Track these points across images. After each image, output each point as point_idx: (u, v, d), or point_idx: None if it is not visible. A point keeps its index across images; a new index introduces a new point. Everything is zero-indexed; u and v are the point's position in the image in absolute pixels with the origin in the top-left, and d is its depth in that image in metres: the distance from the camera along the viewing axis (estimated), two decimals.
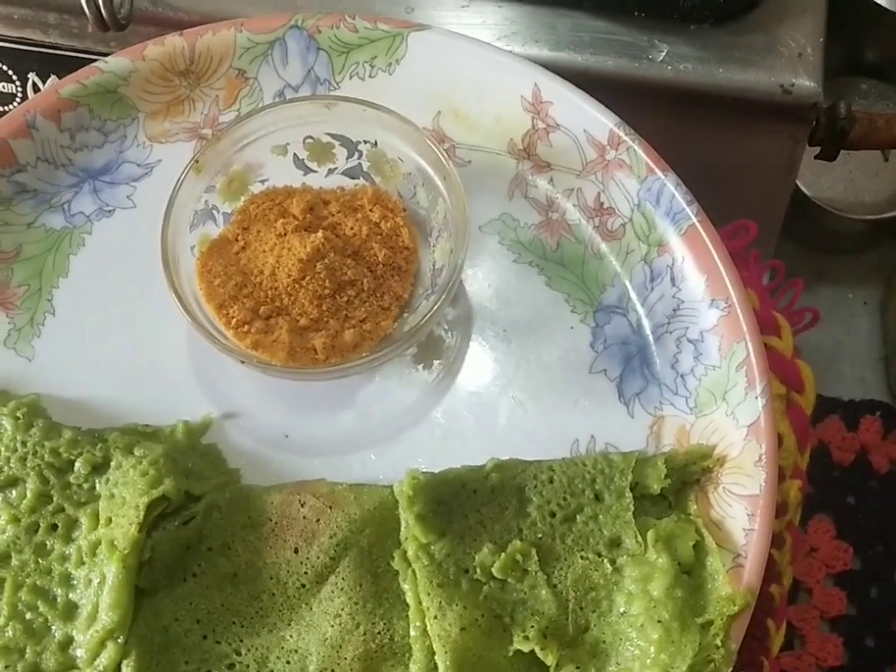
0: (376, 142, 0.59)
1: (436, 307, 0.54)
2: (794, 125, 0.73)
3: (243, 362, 0.53)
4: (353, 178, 0.61)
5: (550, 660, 0.50)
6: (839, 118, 0.73)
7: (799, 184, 0.87)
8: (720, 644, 0.49)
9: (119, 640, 0.50)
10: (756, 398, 0.54)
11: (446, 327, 0.60)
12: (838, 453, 0.84)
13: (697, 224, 0.58)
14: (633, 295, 0.59)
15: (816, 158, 0.79)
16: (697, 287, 0.58)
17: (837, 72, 0.91)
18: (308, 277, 0.56)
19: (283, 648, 0.52)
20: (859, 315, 0.90)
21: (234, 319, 0.55)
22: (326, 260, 0.56)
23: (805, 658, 0.79)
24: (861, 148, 0.77)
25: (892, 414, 0.85)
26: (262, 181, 0.60)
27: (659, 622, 0.50)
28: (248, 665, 0.51)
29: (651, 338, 0.59)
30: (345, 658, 0.51)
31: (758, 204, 0.77)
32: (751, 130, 0.74)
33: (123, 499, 0.53)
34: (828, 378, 0.87)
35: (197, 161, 0.56)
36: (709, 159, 0.73)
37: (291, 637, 0.52)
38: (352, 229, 0.58)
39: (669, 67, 0.70)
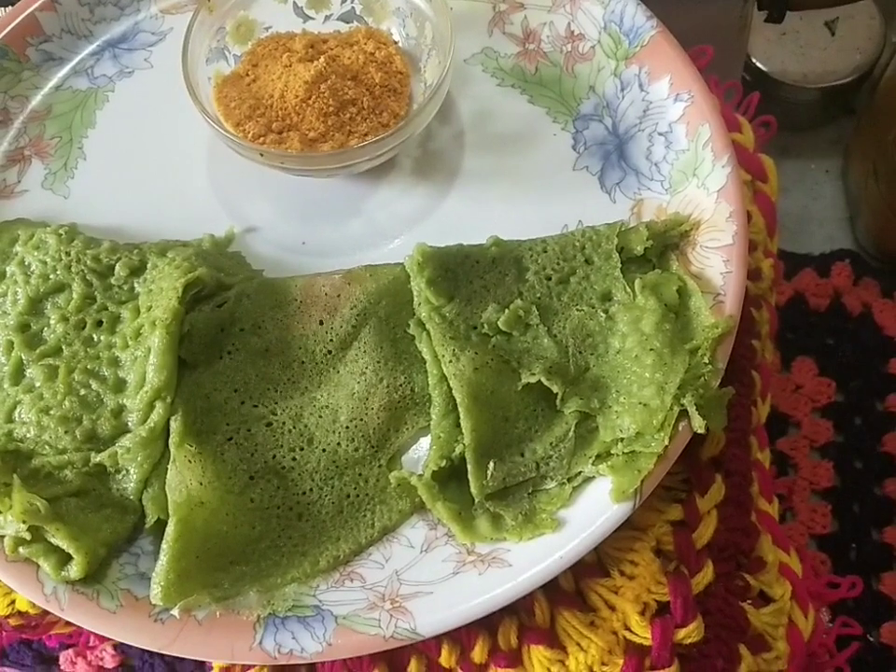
0: None
1: (429, 99, 0.60)
2: None
3: (262, 154, 0.59)
4: (347, 22, 0.68)
5: (556, 388, 0.55)
6: None
7: (756, 62, 0.94)
8: (708, 362, 0.55)
9: (167, 400, 0.55)
10: (723, 167, 0.60)
11: (441, 144, 0.66)
12: (814, 300, 0.90)
13: (658, 33, 0.65)
14: (607, 103, 0.66)
15: (766, 21, 0.86)
16: (662, 87, 0.64)
17: None
18: (314, 97, 0.62)
19: (315, 405, 0.57)
20: (822, 182, 0.97)
21: (250, 133, 0.61)
22: (328, 82, 0.62)
23: (800, 482, 0.84)
24: (806, 7, 0.85)
25: (861, 262, 0.91)
26: (266, 28, 0.67)
27: (651, 350, 0.55)
28: (284, 423, 0.56)
29: (625, 137, 0.65)
30: (372, 408, 0.56)
31: (715, 67, 0.84)
32: None
33: (161, 289, 0.58)
34: (799, 238, 0.94)
35: (209, 0, 0.63)
36: (666, 24, 0.80)
37: (322, 396, 0.57)
38: (349, 58, 0.65)
39: None
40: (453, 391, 0.55)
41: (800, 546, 0.83)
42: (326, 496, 0.55)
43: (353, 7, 0.67)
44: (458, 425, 0.55)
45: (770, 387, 0.65)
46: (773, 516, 0.61)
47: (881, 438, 0.86)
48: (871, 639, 0.80)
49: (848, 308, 0.90)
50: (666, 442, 0.53)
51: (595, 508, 0.53)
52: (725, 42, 0.84)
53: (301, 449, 0.56)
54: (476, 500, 0.54)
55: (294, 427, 0.56)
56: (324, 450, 0.56)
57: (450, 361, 0.56)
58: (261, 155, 0.59)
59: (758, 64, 0.93)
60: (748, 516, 0.57)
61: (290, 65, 0.64)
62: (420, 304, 0.58)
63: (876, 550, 0.83)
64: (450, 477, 0.55)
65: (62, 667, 0.61)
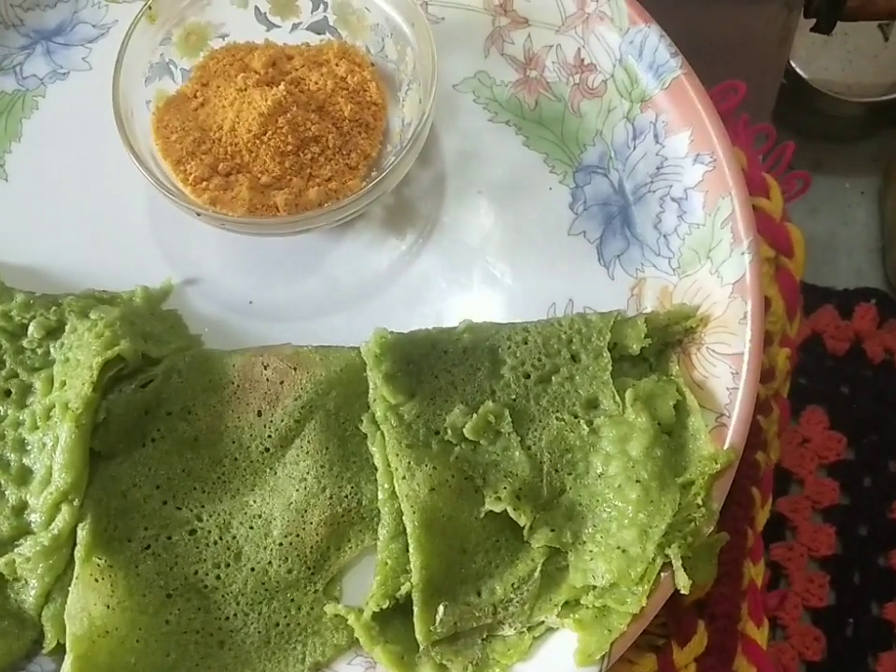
0: None
1: (402, 156, 0.51)
2: None
3: (199, 214, 0.50)
4: (318, 34, 0.58)
5: (523, 520, 0.48)
6: None
7: (795, 66, 0.83)
8: (701, 503, 0.47)
9: (75, 503, 0.48)
10: (742, 254, 0.51)
11: (417, 190, 0.57)
12: (832, 342, 0.81)
13: (682, 76, 0.55)
14: (614, 154, 0.57)
15: (812, 30, 0.75)
16: (681, 142, 0.55)
17: None
18: (269, 132, 0.53)
19: (246, 513, 0.50)
20: (855, 205, 0.87)
21: (192, 175, 0.52)
22: (288, 115, 0.53)
23: (797, 548, 0.77)
24: (859, 19, 0.74)
25: (888, 303, 0.82)
26: (222, 36, 0.57)
27: (637, 481, 0.47)
28: (210, 531, 0.49)
29: (632, 198, 0.56)
30: (311, 523, 0.49)
31: (751, 79, 0.73)
32: None
33: (78, 362, 0.50)
34: (823, 269, 0.84)
35: (150, 8, 0.53)
36: (701, 29, 0.69)
37: (255, 502, 0.50)
38: (316, 83, 0.55)
39: None
40: (404, 516, 0.48)
41: (793, 619, 0.77)
42: (252, 623, 0.48)
43: (325, 17, 0.57)
44: (408, 549, 0.48)
45: (772, 491, 0.58)
46: (760, 645, 0.55)
47: (891, 503, 0.78)
48: None
49: (869, 354, 0.81)
50: (644, 603, 0.45)
51: (555, 667, 0.46)
52: (763, 53, 0.73)
53: (227, 566, 0.49)
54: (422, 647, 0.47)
55: (221, 538, 0.49)
56: (252, 569, 0.49)
57: (403, 477, 0.48)
58: (198, 215, 0.50)
59: (797, 69, 0.82)
60: (730, 664, 0.51)
61: (245, 89, 0.54)
62: (375, 400, 0.50)
63: (876, 627, 0.76)
64: (394, 611, 0.48)
65: None
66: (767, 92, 0.75)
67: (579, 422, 0.50)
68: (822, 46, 0.83)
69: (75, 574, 0.47)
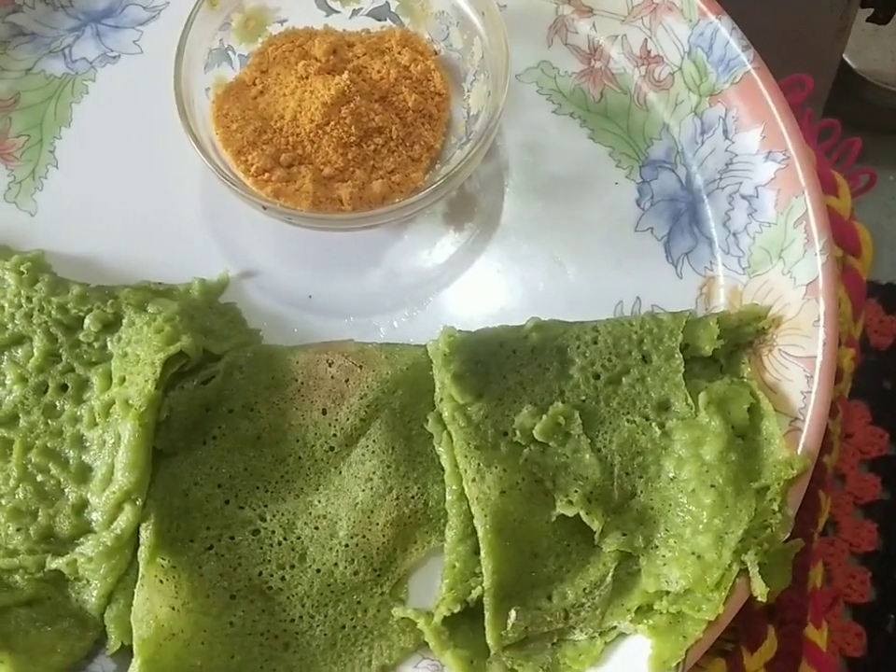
0: None
1: (473, 152, 0.49)
2: None
3: (265, 208, 0.49)
4: (379, 20, 0.56)
5: (596, 525, 0.47)
6: None
7: (844, 55, 0.82)
8: (777, 509, 0.46)
9: (137, 502, 0.47)
10: (816, 255, 0.50)
11: (479, 183, 0.55)
12: (875, 337, 0.80)
13: (753, 71, 0.53)
14: (682, 148, 0.55)
15: (868, 20, 0.74)
16: (752, 139, 0.53)
17: None
18: (332, 123, 0.51)
19: (310, 513, 0.49)
20: None
21: (254, 166, 0.51)
22: (351, 105, 0.52)
23: (839, 544, 0.77)
24: None
25: None
26: (281, 22, 0.55)
27: (712, 486, 0.47)
28: (274, 531, 0.48)
29: (701, 194, 0.55)
30: (377, 524, 0.48)
31: (805, 70, 0.72)
32: None
33: (137, 357, 0.49)
34: None
35: None
36: (757, 19, 0.68)
37: (319, 502, 0.49)
38: (379, 72, 0.53)
39: None
40: (474, 519, 0.47)
41: (834, 615, 0.76)
42: (317, 625, 0.47)
43: (387, 3, 0.55)
44: (477, 552, 0.47)
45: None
46: (821, 648, 0.54)
47: None
48: None
49: None
50: (721, 610, 0.45)
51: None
52: (820, 45, 0.72)
53: (292, 567, 0.48)
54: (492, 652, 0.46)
55: (285, 539, 0.48)
56: (318, 570, 0.48)
57: (473, 480, 0.47)
58: (264, 209, 0.49)
59: (846, 59, 0.81)
60: (797, 668, 0.50)
61: (307, 77, 0.53)
62: (442, 400, 0.49)
63: None
64: (463, 615, 0.47)
65: None
66: (821, 84, 0.74)
67: (650, 424, 0.49)
68: (872, 36, 0.82)
69: (139, 575, 0.46)
